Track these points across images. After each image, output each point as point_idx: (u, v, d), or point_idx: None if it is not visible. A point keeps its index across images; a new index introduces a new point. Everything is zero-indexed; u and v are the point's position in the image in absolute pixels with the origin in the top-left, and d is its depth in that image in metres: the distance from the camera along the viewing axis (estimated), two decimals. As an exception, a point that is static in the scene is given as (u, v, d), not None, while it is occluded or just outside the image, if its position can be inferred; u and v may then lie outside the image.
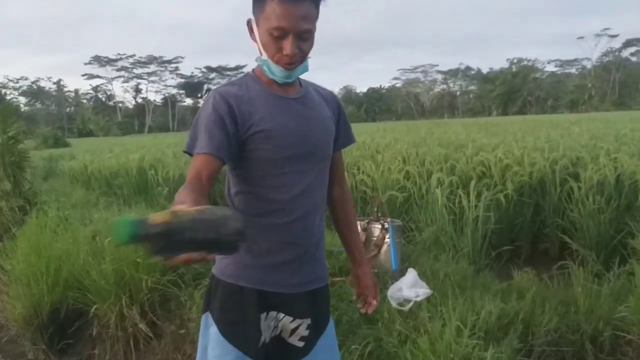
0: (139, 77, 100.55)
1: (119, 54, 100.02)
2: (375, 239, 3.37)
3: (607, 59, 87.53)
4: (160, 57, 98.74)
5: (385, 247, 3.35)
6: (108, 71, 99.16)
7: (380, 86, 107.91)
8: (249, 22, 1.40)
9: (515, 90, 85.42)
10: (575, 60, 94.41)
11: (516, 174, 4.86)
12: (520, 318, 2.62)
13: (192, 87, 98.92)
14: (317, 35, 1.38)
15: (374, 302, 1.69)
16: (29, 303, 3.86)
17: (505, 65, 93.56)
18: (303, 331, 1.50)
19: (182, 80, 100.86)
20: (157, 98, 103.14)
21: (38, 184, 8.00)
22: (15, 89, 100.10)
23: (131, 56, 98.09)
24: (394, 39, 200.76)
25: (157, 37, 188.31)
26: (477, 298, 2.77)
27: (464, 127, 15.69)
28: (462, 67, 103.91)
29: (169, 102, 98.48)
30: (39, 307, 3.86)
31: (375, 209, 3.59)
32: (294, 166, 1.43)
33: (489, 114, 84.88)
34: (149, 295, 3.62)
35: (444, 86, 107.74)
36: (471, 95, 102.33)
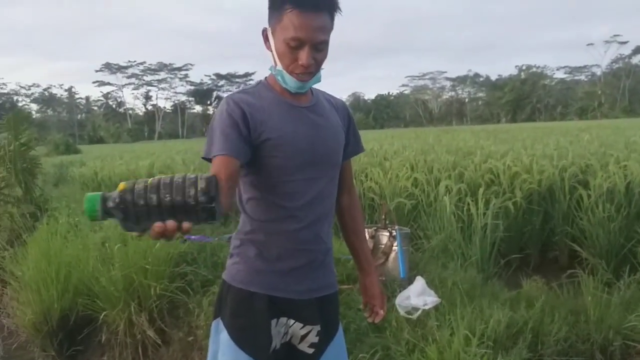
0: (149, 84, 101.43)
1: (129, 61, 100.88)
2: (383, 246, 3.36)
3: (616, 65, 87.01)
4: (170, 64, 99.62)
5: (393, 254, 3.35)
6: (119, 78, 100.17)
7: (389, 93, 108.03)
8: (264, 31, 1.41)
9: (524, 97, 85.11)
10: (585, 67, 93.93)
11: (525, 181, 4.83)
12: (530, 327, 2.60)
13: (201, 94, 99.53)
14: (326, 42, 1.38)
15: (381, 312, 1.70)
16: (38, 309, 3.90)
17: (514, 72, 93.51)
18: (313, 338, 1.51)
19: (192, 87, 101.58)
20: (167, 105, 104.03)
21: (49, 191, 8.10)
22: (27, 95, 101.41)
23: (141, 63, 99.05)
24: (402, 45, 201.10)
25: (167, 44, 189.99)
26: (485, 307, 2.76)
27: (473, 134, 15.66)
28: (471, 74, 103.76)
29: (179, 109, 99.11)
30: (48, 314, 3.90)
31: (383, 217, 3.59)
32: (305, 173, 1.45)
33: (498, 121, 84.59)
34: (157, 302, 3.64)
35: (453, 93, 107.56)
36: (480, 102, 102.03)
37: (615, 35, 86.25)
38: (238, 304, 1.46)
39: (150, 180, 0.93)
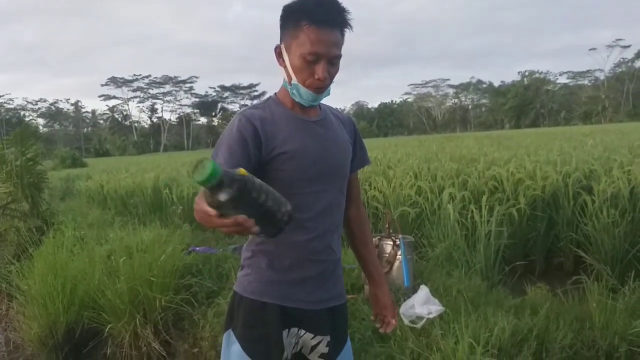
0: (154, 97, 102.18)
1: (134, 74, 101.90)
2: (387, 255, 3.36)
3: (620, 69, 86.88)
4: (175, 77, 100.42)
5: (397, 263, 3.35)
6: (124, 92, 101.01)
7: (392, 101, 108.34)
8: (277, 48, 1.45)
9: (527, 103, 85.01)
10: (588, 71, 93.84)
11: (529, 188, 4.82)
12: (534, 334, 2.59)
13: (206, 106, 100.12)
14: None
15: (393, 322, 1.71)
16: (44, 323, 3.92)
17: (517, 78, 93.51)
18: (323, 348, 1.53)
19: (197, 99, 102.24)
20: (172, 117, 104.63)
21: (55, 205, 8.15)
22: (34, 110, 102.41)
23: (147, 77, 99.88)
24: (404, 54, 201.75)
25: (171, 58, 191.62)
26: (490, 314, 2.75)
27: (476, 141, 15.65)
28: (474, 80, 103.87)
29: (184, 121, 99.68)
30: (54, 327, 3.91)
31: (387, 225, 3.59)
32: (315, 186, 1.48)
33: (502, 127, 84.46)
34: (162, 314, 3.65)
35: (456, 100, 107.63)
36: (483, 109, 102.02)
37: (617, 40, 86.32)
38: (250, 315, 1.48)
39: (257, 180, 1.03)
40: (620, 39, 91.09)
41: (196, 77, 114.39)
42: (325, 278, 1.52)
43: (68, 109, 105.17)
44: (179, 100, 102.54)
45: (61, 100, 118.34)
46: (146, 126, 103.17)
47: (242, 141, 1.38)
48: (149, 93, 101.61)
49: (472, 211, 4.23)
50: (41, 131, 76.96)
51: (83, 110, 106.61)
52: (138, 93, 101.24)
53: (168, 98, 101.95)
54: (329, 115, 1.58)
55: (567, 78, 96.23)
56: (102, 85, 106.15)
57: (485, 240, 3.98)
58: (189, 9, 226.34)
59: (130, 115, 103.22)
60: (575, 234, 4.46)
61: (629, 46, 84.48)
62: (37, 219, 6.23)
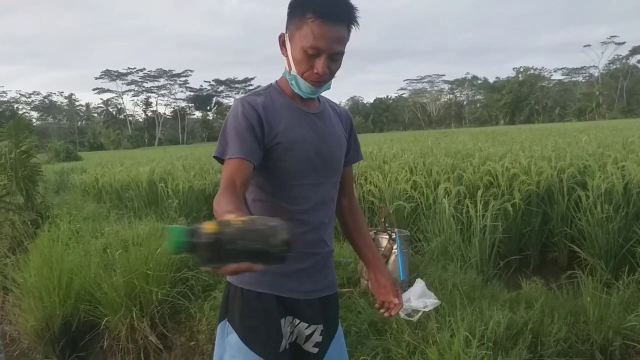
0: (148, 90, 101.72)
1: (129, 68, 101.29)
2: (382, 249, 3.38)
3: (614, 66, 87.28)
4: (170, 70, 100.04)
5: (393, 257, 3.36)
6: (118, 85, 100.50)
7: (387, 96, 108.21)
8: (281, 37, 1.44)
9: (522, 99, 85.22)
10: (582, 68, 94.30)
11: (523, 183, 4.85)
12: (529, 328, 2.62)
13: (201, 100, 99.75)
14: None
15: (396, 301, 1.66)
16: (40, 316, 3.91)
17: (512, 74, 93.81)
18: (317, 337, 1.55)
19: (192, 93, 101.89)
20: (166, 111, 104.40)
21: (50, 198, 8.11)
22: (27, 103, 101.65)
23: (141, 70, 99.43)
24: (400, 49, 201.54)
25: (166, 51, 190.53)
26: (485, 308, 2.77)
27: (471, 137, 15.68)
28: (469, 76, 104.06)
29: (179, 115, 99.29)
30: (50, 320, 3.90)
31: (383, 220, 3.61)
32: (310, 179, 1.48)
33: (496, 123, 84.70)
34: (159, 307, 3.65)
35: (451, 96, 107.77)
36: (478, 105, 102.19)
37: (612, 37, 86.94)
38: (247, 305, 1.49)
39: (233, 221, 0.96)
40: (615, 36, 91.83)
41: (191, 71, 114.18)
42: (318, 269, 1.54)
43: (62, 102, 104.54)
44: (173, 94, 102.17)
45: (55, 93, 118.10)
46: (140, 120, 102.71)
47: (250, 127, 1.38)
48: (144, 86, 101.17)
49: (468, 206, 4.25)
50: (35, 124, 76.35)
51: (77, 103, 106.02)
52: (132, 86, 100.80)
53: (162, 92, 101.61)
54: (327, 108, 1.58)
55: (562, 74, 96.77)
56: (96, 78, 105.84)
57: (481, 234, 4.01)
58: (185, 1, 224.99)
59: (124, 109, 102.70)
60: (570, 229, 4.49)
61: (623, 43, 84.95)
62: (32, 212, 6.20)
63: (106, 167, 12.11)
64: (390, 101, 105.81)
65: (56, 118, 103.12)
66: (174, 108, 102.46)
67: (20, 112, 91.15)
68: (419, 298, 2.87)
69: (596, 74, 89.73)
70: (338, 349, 1.62)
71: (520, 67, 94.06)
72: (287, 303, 1.49)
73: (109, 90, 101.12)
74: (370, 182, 5.70)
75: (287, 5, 1.41)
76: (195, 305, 3.58)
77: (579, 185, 4.65)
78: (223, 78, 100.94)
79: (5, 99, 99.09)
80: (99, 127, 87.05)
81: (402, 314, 2.77)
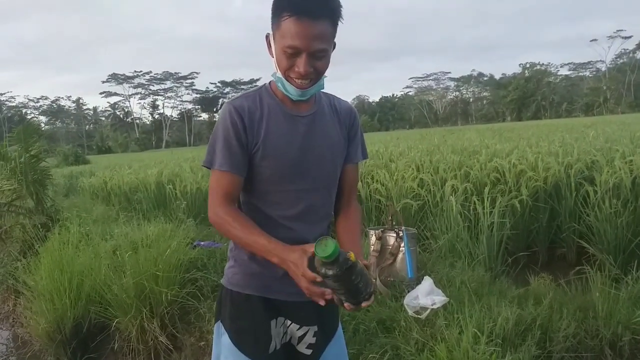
0: (155, 93, 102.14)
1: (135, 71, 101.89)
2: (390, 247, 3.39)
3: (621, 60, 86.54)
4: (176, 73, 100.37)
5: (400, 255, 3.37)
6: (125, 88, 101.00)
7: (393, 95, 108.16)
8: (267, 37, 1.38)
9: (528, 95, 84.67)
10: (589, 63, 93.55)
11: (531, 179, 4.83)
12: (538, 324, 2.61)
13: (207, 101, 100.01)
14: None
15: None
16: (52, 318, 3.94)
17: (518, 70, 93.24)
18: (310, 338, 1.53)
19: (198, 95, 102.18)
20: (173, 113, 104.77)
21: (60, 201, 8.17)
22: (35, 108, 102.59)
23: (147, 73, 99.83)
24: (405, 47, 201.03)
25: (172, 54, 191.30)
26: (493, 304, 2.77)
27: (478, 134, 15.62)
28: (475, 73, 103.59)
29: (185, 117, 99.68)
30: (61, 322, 3.94)
31: (390, 218, 3.61)
32: (296, 185, 1.44)
33: (503, 120, 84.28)
34: (168, 308, 3.68)
35: (457, 93, 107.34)
36: (484, 102, 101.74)
37: (618, 31, 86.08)
38: (236, 307, 1.50)
39: (360, 265, 1.23)
40: (621, 30, 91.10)
41: (197, 73, 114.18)
42: None
43: (69, 106, 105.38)
44: (180, 97, 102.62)
45: (62, 98, 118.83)
46: (148, 123, 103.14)
47: (237, 136, 1.38)
48: (150, 89, 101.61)
49: (475, 203, 4.24)
50: (43, 129, 77.01)
51: (84, 107, 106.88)
52: (139, 89, 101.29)
53: (169, 94, 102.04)
54: (323, 108, 1.51)
55: (569, 70, 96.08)
56: (103, 82, 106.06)
57: (488, 231, 4.00)
58: (190, 3, 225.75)
59: (131, 112, 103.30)
60: (578, 224, 4.47)
61: (630, 37, 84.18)
62: (42, 215, 6.26)
63: (114, 170, 12.18)
64: (396, 99, 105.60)
65: (64, 122, 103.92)
66: (180, 110, 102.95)
67: (29, 117, 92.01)
68: (427, 295, 2.87)
69: (603, 69, 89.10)
70: (336, 351, 1.59)
71: (527, 62, 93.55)
72: (276, 304, 1.48)
73: (116, 94, 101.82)
74: (377, 181, 5.70)
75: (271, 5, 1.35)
76: (204, 305, 3.60)
77: (586, 181, 4.62)
78: (229, 79, 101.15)
79: (14, 104, 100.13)
80: (106, 131, 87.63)
81: (410, 312, 2.78)
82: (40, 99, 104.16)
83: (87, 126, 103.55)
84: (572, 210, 4.64)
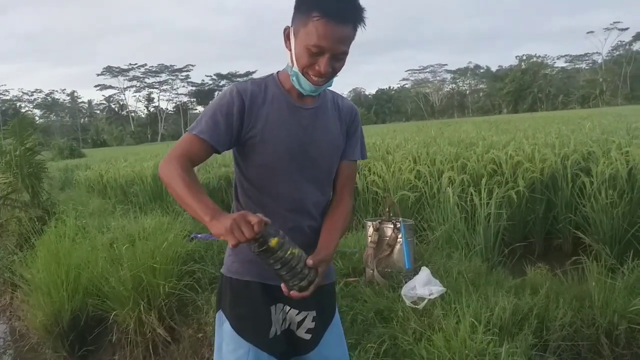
0: (150, 86, 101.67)
1: (130, 64, 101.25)
2: (387, 238, 3.39)
3: (617, 52, 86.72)
4: (171, 65, 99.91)
5: (398, 246, 3.37)
6: (120, 81, 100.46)
7: (389, 87, 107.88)
8: (286, 30, 1.40)
9: (525, 88, 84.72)
10: (586, 55, 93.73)
11: (527, 170, 4.85)
12: (535, 313, 2.63)
13: (203, 94, 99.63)
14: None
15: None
16: (49, 311, 3.94)
17: (515, 62, 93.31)
18: (309, 323, 1.55)
19: (193, 88, 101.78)
20: (169, 106, 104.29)
21: (56, 195, 8.15)
22: (30, 101, 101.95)
23: (142, 66, 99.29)
24: (401, 39, 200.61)
25: (167, 46, 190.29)
26: (491, 294, 2.78)
27: (474, 126, 15.64)
28: (471, 65, 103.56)
29: (181, 110, 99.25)
30: (59, 315, 3.94)
31: (387, 209, 3.61)
32: (293, 176, 1.46)
33: (499, 112, 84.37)
34: (166, 300, 3.68)
35: (453, 85, 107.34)
36: (481, 94, 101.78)
37: (615, 22, 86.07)
38: (236, 294, 1.52)
39: (284, 254, 1.27)
40: (618, 22, 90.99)
41: (192, 66, 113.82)
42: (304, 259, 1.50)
43: (64, 100, 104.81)
44: (175, 89, 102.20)
45: (57, 91, 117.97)
46: (143, 116, 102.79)
47: (229, 114, 1.39)
48: (145, 82, 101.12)
49: (472, 194, 4.26)
50: (38, 122, 76.61)
51: (79, 100, 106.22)
52: (134, 82, 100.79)
53: (164, 87, 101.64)
54: (326, 103, 1.54)
55: (565, 62, 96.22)
56: (98, 75, 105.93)
57: (485, 222, 4.02)
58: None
59: (126, 105, 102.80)
60: (574, 215, 4.49)
61: (626, 29, 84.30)
62: (38, 208, 6.24)
63: (110, 163, 12.15)
64: (393, 92, 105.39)
65: (59, 115, 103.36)
66: (176, 103, 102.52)
67: (23, 110, 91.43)
68: (424, 286, 2.88)
69: (599, 61, 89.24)
70: (334, 337, 1.62)
71: (523, 55, 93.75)
72: (274, 290, 1.47)
73: (111, 87, 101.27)
74: (374, 173, 5.71)
75: None
76: (202, 297, 3.60)
77: (582, 172, 4.64)
78: (224, 72, 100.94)
79: (7, 98, 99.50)
80: (101, 124, 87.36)
81: (407, 302, 2.79)
82: (34, 92, 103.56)
83: (82, 119, 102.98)
84: (568, 201, 4.67)
